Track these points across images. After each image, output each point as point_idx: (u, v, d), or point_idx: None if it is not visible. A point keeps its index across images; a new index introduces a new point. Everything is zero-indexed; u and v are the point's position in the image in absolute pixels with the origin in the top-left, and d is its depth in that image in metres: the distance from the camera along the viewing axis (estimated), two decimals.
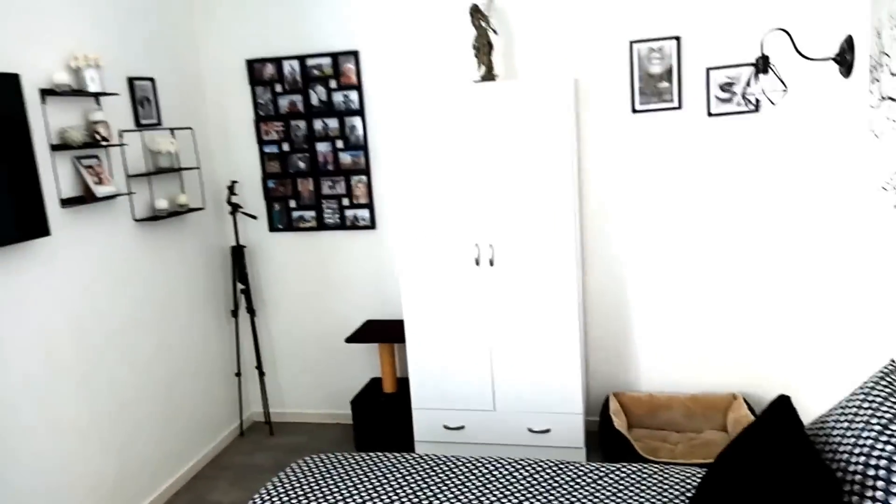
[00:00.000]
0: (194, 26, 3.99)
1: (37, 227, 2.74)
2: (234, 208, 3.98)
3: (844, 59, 2.56)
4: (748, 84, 2.82)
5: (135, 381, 3.38)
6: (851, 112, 2.57)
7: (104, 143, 3.10)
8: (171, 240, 3.70)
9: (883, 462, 1.53)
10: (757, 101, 3.33)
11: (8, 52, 2.72)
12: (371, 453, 2.69)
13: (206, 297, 4.01)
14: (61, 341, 2.95)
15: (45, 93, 2.86)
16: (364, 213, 4.00)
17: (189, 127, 3.84)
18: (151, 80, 3.57)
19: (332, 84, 3.89)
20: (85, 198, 3.04)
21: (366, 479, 2.47)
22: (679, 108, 3.46)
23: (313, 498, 2.36)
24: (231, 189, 3.99)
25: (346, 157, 3.97)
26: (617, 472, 2.40)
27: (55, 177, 2.91)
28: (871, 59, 2.30)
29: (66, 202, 2.96)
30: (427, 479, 2.44)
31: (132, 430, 3.35)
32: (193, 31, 3.98)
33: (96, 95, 3.10)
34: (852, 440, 1.67)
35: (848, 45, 2.53)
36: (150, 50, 3.60)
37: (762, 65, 2.68)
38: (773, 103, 2.78)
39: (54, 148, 2.90)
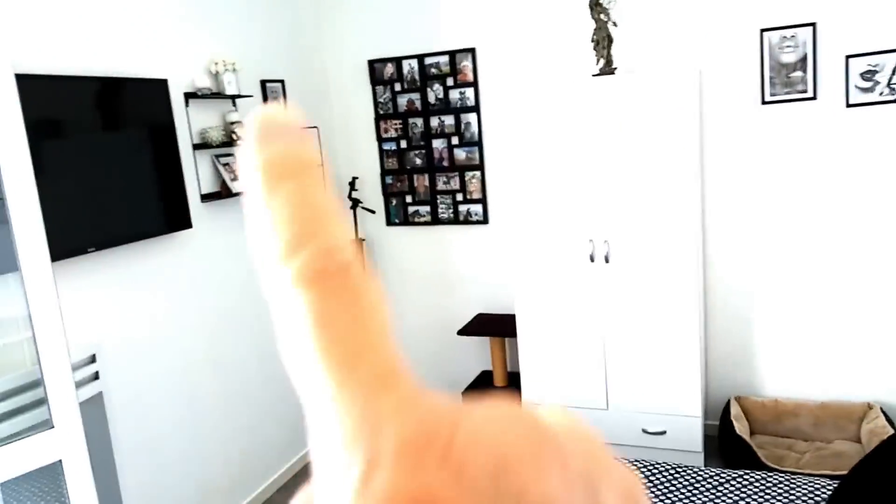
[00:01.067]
0: (321, 29, 4.18)
1: (181, 220, 2.98)
2: (355, 203, 4.14)
3: None
4: (894, 72, 2.62)
5: (261, 367, 3.60)
6: None
7: (240, 143, 3.31)
8: None
9: None
10: None
11: (157, 60, 2.98)
12: None
13: None
14: (196, 327, 3.19)
15: (189, 96, 3.10)
16: (477, 209, 4.05)
17: (315, 126, 4.04)
18: (282, 81, 3.78)
19: (449, 82, 3.96)
20: (222, 193, 3.27)
21: None
22: (814, 98, 3.26)
23: None
24: (352, 185, 4.15)
25: (460, 154, 4.03)
26: (739, 479, 2.32)
27: (196, 174, 3.15)
28: None
29: (206, 197, 3.19)
30: None
31: (258, 411, 3.57)
32: (320, 34, 4.17)
33: (233, 98, 3.33)
34: None
35: None
36: (281, 53, 3.81)
37: None
38: None
39: (196, 147, 3.13)
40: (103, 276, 2.72)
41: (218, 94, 3.22)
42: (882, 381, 3.39)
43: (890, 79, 2.64)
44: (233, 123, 3.29)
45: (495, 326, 3.89)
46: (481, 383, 4.03)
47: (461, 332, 3.87)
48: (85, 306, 2.64)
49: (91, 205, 2.58)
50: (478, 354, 4.26)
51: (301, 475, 3.78)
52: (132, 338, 2.85)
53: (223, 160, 3.29)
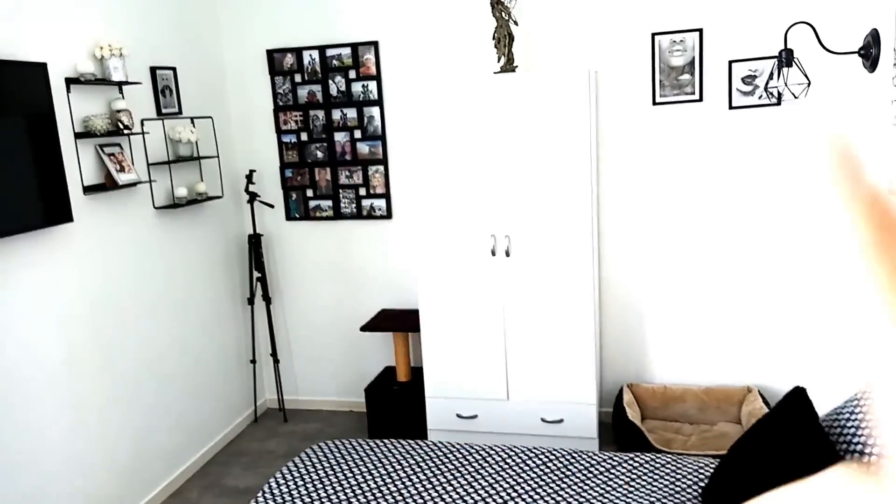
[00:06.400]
0: (217, 16, 4.02)
1: (60, 213, 2.79)
2: (252, 197, 4.02)
3: (869, 54, 2.54)
4: (771, 77, 2.80)
5: (152, 367, 3.44)
6: (876, 107, 2.55)
7: (126, 132, 3.14)
8: (189, 228, 3.75)
9: None
10: (779, 94, 3.30)
11: (36, 42, 2.77)
12: (384, 440, 2.71)
13: (223, 285, 4.06)
14: (81, 326, 3.00)
15: (70, 81, 2.90)
16: (380, 203, 4.03)
17: (209, 116, 3.88)
18: (173, 69, 3.61)
19: (352, 74, 3.91)
20: (107, 185, 3.08)
21: (379, 465, 2.50)
22: (700, 100, 3.45)
23: (327, 483, 2.39)
24: (249, 178, 4.02)
25: (363, 147, 3.99)
26: (630, 462, 2.42)
27: (78, 164, 2.96)
28: None
29: (89, 189, 3.00)
30: (440, 466, 2.46)
31: (149, 414, 3.40)
32: (216, 21, 4.01)
33: (119, 84, 3.14)
34: (867, 431, 1.66)
35: (873, 39, 2.51)
36: (173, 39, 3.64)
37: (785, 58, 2.66)
38: (795, 97, 2.76)
39: (78, 136, 2.94)
40: None
41: (103, 80, 3.04)
42: (759, 366, 3.64)
43: (767, 83, 2.83)
44: (119, 111, 3.11)
45: (399, 321, 3.88)
46: (384, 379, 4.01)
47: (364, 328, 3.84)
48: None
49: None
50: (381, 350, 4.24)
51: (190, 483, 3.63)
52: (6, 339, 2.64)
53: (108, 150, 3.10)
